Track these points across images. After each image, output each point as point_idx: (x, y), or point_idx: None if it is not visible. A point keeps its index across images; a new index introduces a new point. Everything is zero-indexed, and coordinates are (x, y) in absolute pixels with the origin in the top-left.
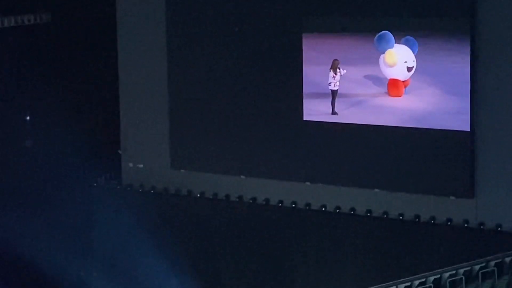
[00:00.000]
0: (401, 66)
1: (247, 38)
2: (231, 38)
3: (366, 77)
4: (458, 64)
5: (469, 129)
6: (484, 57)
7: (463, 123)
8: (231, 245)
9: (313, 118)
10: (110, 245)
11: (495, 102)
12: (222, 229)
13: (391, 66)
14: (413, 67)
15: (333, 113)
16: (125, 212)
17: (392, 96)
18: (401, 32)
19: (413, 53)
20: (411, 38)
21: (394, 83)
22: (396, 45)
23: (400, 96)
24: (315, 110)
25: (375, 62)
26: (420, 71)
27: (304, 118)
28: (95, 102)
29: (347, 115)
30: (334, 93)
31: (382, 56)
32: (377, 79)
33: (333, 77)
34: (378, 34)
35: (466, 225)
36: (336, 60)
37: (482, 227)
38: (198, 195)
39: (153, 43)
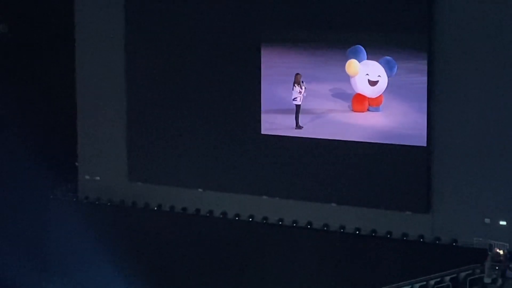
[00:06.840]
0: (362, 78)
1: (206, 51)
2: (190, 53)
3: (330, 91)
4: (416, 81)
5: (425, 145)
6: (441, 74)
7: (419, 139)
8: (188, 258)
9: (273, 132)
10: (66, 257)
11: (451, 118)
12: (179, 241)
13: (352, 76)
14: (376, 81)
15: (298, 127)
16: (82, 225)
17: (355, 111)
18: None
19: (388, 72)
20: (391, 59)
21: (358, 98)
22: (366, 60)
23: (363, 112)
24: (277, 124)
25: (337, 77)
26: None
27: (262, 132)
28: (52, 114)
29: (307, 129)
30: (298, 107)
31: None
32: (341, 94)
33: (300, 92)
34: (350, 48)
35: (422, 239)
36: (299, 74)
37: (437, 242)
38: (155, 208)
39: (111, 56)
